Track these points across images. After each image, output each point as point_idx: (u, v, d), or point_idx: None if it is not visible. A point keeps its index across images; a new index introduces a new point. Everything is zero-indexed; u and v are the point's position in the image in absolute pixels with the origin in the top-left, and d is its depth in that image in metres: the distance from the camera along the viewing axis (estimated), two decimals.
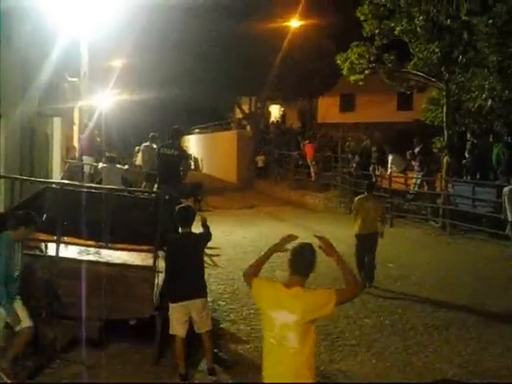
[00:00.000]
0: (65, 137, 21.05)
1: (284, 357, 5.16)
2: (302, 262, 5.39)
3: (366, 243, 13.20)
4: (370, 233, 13.14)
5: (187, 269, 8.38)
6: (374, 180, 24.76)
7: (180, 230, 8.81)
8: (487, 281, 14.00)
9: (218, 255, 15.70)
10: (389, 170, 24.51)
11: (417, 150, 23.69)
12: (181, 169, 13.94)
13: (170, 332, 8.48)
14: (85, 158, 21.53)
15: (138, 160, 22.53)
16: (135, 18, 25.59)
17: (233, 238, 18.56)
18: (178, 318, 8.39)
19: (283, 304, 5.17)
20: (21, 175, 13.10)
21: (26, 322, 7.95)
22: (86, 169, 20.69)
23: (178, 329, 8.40)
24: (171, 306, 8.45)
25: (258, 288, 5.52)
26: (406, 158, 24.28)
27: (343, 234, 16.62)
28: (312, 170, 30.37)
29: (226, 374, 8.78)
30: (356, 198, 14.21)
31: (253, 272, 5.65)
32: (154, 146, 18.16)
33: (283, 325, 5.13)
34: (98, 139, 26.49)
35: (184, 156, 14.83)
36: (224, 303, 11.95)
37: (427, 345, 9.96)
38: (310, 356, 5.26)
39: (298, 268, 5.37)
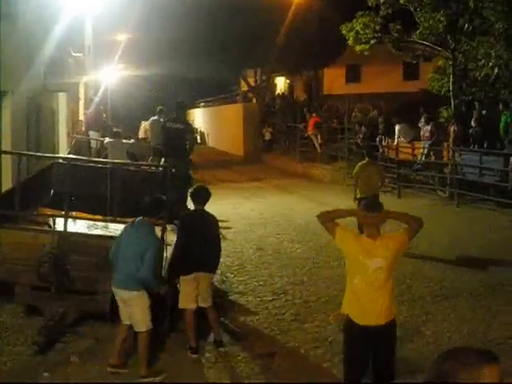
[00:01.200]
0: (70, 112, 21.08)
1: (377, 295, 5.93)
2: (375, 215, 6.06)
3: None
4: (372, 196, 12.90)
5: (200, 243, 8.42)
6: (380, 150, 24.81)
7: (193, 206, 8.87)
8: (495, 249, 13.97)
9: (227, 228, 15.71)
10: (396, 140, 24.44)
11: (423, 120, 23.60)
12: (186, 142, 13.92)
13: (180, 306, 8.54)
14: (91, 133, 21.54)
15: (141, 133, 22.47)
16: None
17: (240, 211, 18.58)
18: (189, 290, 8.46)
19: (376, 253, 5.92)
20: (27, 150, 13.14)
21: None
22: (93, 144, 20.70)
23: (188, 301, 8.47)
24: (182, 278, 8.52)
25: (343, 238, 6.14)
26: (414, 127, 24.20)
27: (350, 205, 16.60)
28: (315, 142, 30.25)
29: (236, 345, 8.84)
30: (357, 165, 14.86)
31: (331, 220, 6.26)
32: (161, 119, 18.10)
33: (377, 269, 5.90)
34: (104, 115, 26.43)
35: (189, 129, 14.79)
36: (232, 275, 11.99)
37: (435, 314, 9.98)
38: (392, 291, 6.23)
39: (374, 221, 6.07)
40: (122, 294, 7.75)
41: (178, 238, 8.87)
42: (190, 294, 8.46)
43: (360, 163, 14.82)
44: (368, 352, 6.03)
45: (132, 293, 7.66)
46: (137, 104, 47.01)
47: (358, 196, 13.74)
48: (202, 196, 8.71)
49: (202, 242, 8.44)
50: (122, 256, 7.70)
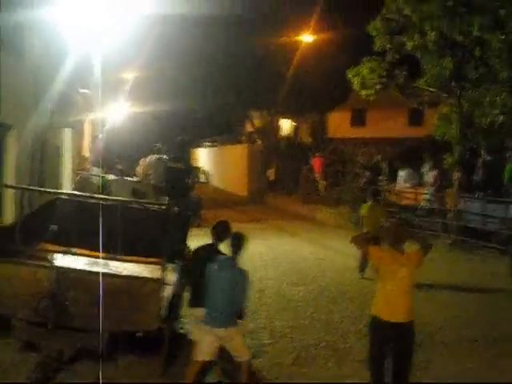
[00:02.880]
0: (76, 148, 21.14)
1: (403, 298, 7.47)
2: (400, 235, 7.66)
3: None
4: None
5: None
6: (383, 195, 24.80)
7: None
8: (497, 297, 13.90)
9: None
10: (398, 185, 24.44)
11: (427, 165, 23.63)
12: (188, 182, 13.95)
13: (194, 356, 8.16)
14: (93, 169, 21.52)
15: (139, 168, 22.39)
16: (147, 31, 25.68)
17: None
18: (205, 339, 8.07)
19: (404, 264, 7.45)
20: (31, 185, 13.17)
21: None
22: (94, 180, 20.66)
23: (200, 353, 8.07)
24: (201, 326, 8.18)
25: (377, 253, 7.79)
26: (418, 173, 24.22)
27: (353, 250, 16.55)
28: (319, 184, 30.31)
29: None
30: (363, 205, 15.94)
31: (364, 240, 8.20)
32: (164, 157, 18.13)
33: (403, 277, 7.43)
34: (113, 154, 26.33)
35: (190, 169, 14.83)
36: None
37: (435, 361, 9.87)
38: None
39: (399, 240, 7.61)
40: (218, 332, 7.91)
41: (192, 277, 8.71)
42: (207, 346, 8.06)
43: (366, 204, 15.73)
44: (389, 350, 7.50)
45: (231, 329, 7.98)
46: (141, 141, 47.16)
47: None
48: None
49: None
50: (213, 295, 7.95)
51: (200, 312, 8.19)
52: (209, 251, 8.62)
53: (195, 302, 8.47)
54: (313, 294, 13.90)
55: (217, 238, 8.58)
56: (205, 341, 8.00)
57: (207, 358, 8.04)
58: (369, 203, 15.71)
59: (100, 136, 24.37)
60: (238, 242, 8.25)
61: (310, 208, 28.98)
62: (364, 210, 15.65)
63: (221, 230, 8.65)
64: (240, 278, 8.03)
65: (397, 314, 7.44)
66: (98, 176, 20.66)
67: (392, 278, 7.47)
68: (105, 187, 19.24)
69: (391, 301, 7.46)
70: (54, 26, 14.79)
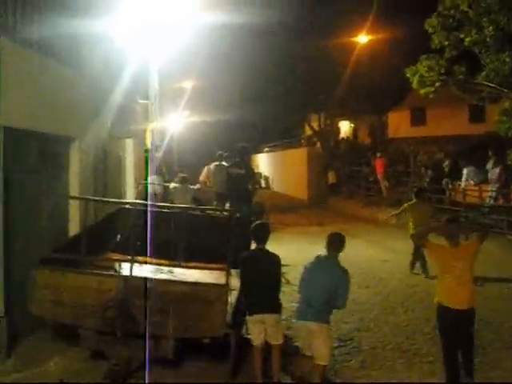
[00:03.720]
0: (137, 158, 21.38)
1: (461, 287, 8.00)
2: (453, 230, 8.30)
3: None
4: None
5: (260, 284, 8.60)
6: (447, 193, 24.49)
7: (254, 245, 9.06)
8: None
9: (291, 273, 15.59)
10: (463, 184, 24.08)
11: (491, 162, 23.22)
12: (249, 187, 13.97)
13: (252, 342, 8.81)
14: (152, 177, 21.67)
15: (202, 177, 22.50)
16: (203, 41, 25.88)
17: (304, 256, 18.26)
18: (255, 330, 8.70)
19: (460, 257, 8.08)
20: (95, 196, 13.36)
21: None
22: (157, 189, 20.83)
23: (255, 339, 8.71)
24: (247, 318, 8.82)
25: (435, 249, 8.45)
26: (482, 170, 23.83)
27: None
28: (382, 185, 30.08)
29: None
30: (406, 204, 16.43)
31: (423, 237, 8.88)
32: (225, 164, 18.21)
33: (462, 268, 8.01)
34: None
35: (251, 174, 14.84)
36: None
37: (505, 360, 9.68)
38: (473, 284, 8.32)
39: (452, 235, 8.23)
40: (310, 326, 8.33)
41: (240, 278, 8.96)
42: (257, 333, 8.68)
43: (409, 203, 16.19)
44: (459, 334, 8.12)
45: (322, 325, 8.36)
46: (202, 150, 47.51)
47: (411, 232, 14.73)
48: (262, 234, 8.92)
49: (261, 283, 8.61)
50: (310, 291, 8.38)
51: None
52: (256, 256, 8.93)
53: (250, 308, 8.79)
54: (379, 296, 13.79)
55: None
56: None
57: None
58: (412, 201, 16.08)
59: (153, 145, 24.53)
60: (338, 243, 8.55)
61: (372, 210, 28.77)
62: (407, 207, 16.10)
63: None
64: (339, 277, 8.36)
65: (459, 302, 8.02)
66: (160, 184, 20.90)
67: (450, 271, 8.07)
68: (167, 195, 19.46)
69: (452, 291, 8.05)
70: (111, 37, 15.00)
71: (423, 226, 13.92)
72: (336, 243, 8.53)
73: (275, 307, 8.76)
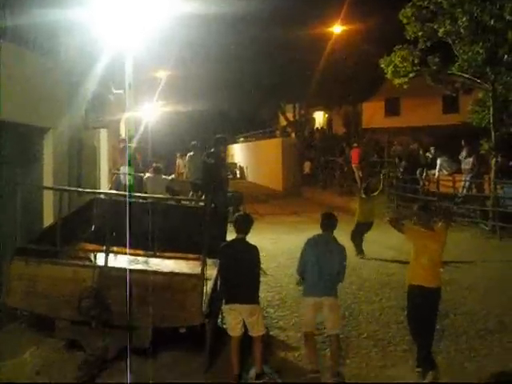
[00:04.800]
0: (111, 148, 21.28)
1: (433, 268, 8.67)
2: (428, 214, 9.01)
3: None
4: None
5: (238, 273, 8.59)
6: (421, 183, 24.64)
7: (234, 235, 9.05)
8: None
9: (267, 263, 15.64)
10: (437, 174, 24.27)
11: (464, 152, 23.40)
12: (222, 176, 14.01)
13: (228, 332, 8.83)
14: (122, 168, 21.50)
15: (180, 167, 22.36)
16: (177, 30, 25.74)
17: (280, 246, 18.50)
18: (231, 320, 8.70)
19: (434, 239, 8.71)
20: (69, 186, 13.29)
21: None
22: (122, 179, 20.66)
23: (231, 329, 8.71)
24: (223, 307, 8.87)
25: (413, 232, 8.96)
26: (455, 160, 24.01)
27: (390, 241, 16.52)
28: (356, 175, 30.22)
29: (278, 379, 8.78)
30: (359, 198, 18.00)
31: (398, 221, 9.28)
32: (192, 154, 18.24)
33: (434, 249, 8.65)
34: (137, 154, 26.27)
35: (222, 164, 14.85)
36: (273, 310, 11.91)
37: (480, 349, 9.80)
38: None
39: (427, 217, 8.91)
40: (325, 301, 8.86)
41: (219, 269, 9.00)
42: (233, 323, 8.68)
43: (362, 197, 17.79)
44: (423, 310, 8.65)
45: (335, 298, 9.07)
46: (176, 140, 47.35)
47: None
48: (244, 224, 8.93)
49: (240, 273, 8.60)
50: (322, 267, 8.80)
51: None
52: (236, 247, 8.91)
53: (227, 297, 8.79)
54: (353, 285, 13.84)
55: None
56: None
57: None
58: (362, 197, 17.73)
59: (124, 135, 24.39)
60: (333, 221, 9.29)
61: (347, 200, 28.86)
62: (359, 201, 17.76)
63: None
64: (342, 252, 9.01)
65: (430, 281, 8.61)
66: (130, 174, 20.79)
67: (426, 251, 8.64)
68: (140, 185, 19.40)
69: (426, 271, 8.62)
70: (87, 26, 14.89)
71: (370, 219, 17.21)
72: (331, 221, 9.21)
73: (252, 297, 8.74)
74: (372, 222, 17.33)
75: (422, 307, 8.68)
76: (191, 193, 18.57)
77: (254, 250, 8.84)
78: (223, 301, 8.83)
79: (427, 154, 27.18)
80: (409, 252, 8.99)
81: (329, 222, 9.19)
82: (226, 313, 8.86)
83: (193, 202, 14.69)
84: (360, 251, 17.07)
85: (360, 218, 17.33)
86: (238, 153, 60.47)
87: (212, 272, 9.37)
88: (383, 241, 17.57)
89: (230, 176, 41.08)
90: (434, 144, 28.16)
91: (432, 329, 8.88)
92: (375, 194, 18.45)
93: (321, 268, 8.73)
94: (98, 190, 16.57)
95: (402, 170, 26.73)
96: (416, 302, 8.74)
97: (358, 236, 17.26)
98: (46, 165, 12.70)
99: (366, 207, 17.44)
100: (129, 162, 21.62)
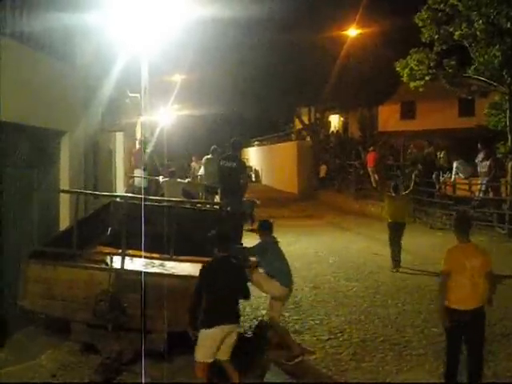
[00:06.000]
0: (127, 151, 21.36)
1: (474, 288, 7.85)
2: (468, 226, 8.50)
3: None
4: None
5: (224, 292, 7.85)
6: (437, 187, 24.52)
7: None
8: None
9: None
10: (453, 177, 24.16)
11: (481, 155, 23.30)
12: (240, 181, 13.89)
13: (198, 359, 7.82)
14: (136, 171, 21.56)
15: (196, 171, 22.46)
16: (193, 34, 25.84)
17: (296, 249, 18.45)
18: (210, 342, 7.73)
19: (473, 255, 7.99)
20: (85, 189, 13.33)
21: None
22: (137, 182, 20.73)
23: (206, 355, 7.77)
24: (208, 331, 7.71)
25: (451, 259, 8.05)
26: (472, 164, 23.90)
27: (407, 245, 16.41)
28: (372, 178, 30.15)
29: None
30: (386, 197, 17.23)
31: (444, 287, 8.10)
32: (215, 157, 18.21)
33: (473, 267, 7.85)
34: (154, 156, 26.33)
35: (243, 168, 14.73)
36: (288, 314, 11.87)
37: (496, 353, 9.73)
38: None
39: (466, 231, 8.28)
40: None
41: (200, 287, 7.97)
42: (213, 346, 7.77)
43: (388, 197, 16.87)
44: (462, 337, 7.96)
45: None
46: (192, 143, 47.47)
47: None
48: (223, 240, 8.25)
49: (225, 292, 7.86)
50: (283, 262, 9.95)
51: None
52: (221, 263, 8.09)
53: (210, 318, 7.81)
54: (370, 289, 13.81)
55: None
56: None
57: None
58: (391, 196, 16.70)
59: (140, 139, 24.48)
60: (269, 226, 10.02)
61: (363, 203, 28.82)
62: (387, 200, 16.86)
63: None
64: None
65: (471, 300, 7.88)
66: (146, 178, 20.89)
67: (462, 270, 7.89)
68: (158, 188, 19.49)
69: (465, 290, 7.87)
70: (103, 30, 14.95)
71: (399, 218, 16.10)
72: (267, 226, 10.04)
73: (237, 317, 8.12)
74: (404, 224, 16.24)
75: (460, 334, 8.02)
76: (204, 195, 18.62)
77: (237, 266, 8.35)
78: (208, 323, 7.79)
79: (441, 155, 27.07)
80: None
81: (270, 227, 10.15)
82: (207, 337, 7.71)
83: (208, 206, 14.70)
84: (396, 264, 15.68)
85: (389, 217, 16.24)
86: (252, 156, 60.48)
87: None
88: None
89: (251, 179, 41.09)
90: (449, 147, 28.02)
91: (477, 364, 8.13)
92: (406, 192, 17.84)
93: (285, 262, 10.04)
94: (114, 193, 16.63)
95: (417, 173, 26.63)
96: (452, 329, 8.02)
97: (392, 243, 15.99)
98: (62, 168, 12.74)
99: (395, 206, 16.23)
100: (145, 165, 21.77)
